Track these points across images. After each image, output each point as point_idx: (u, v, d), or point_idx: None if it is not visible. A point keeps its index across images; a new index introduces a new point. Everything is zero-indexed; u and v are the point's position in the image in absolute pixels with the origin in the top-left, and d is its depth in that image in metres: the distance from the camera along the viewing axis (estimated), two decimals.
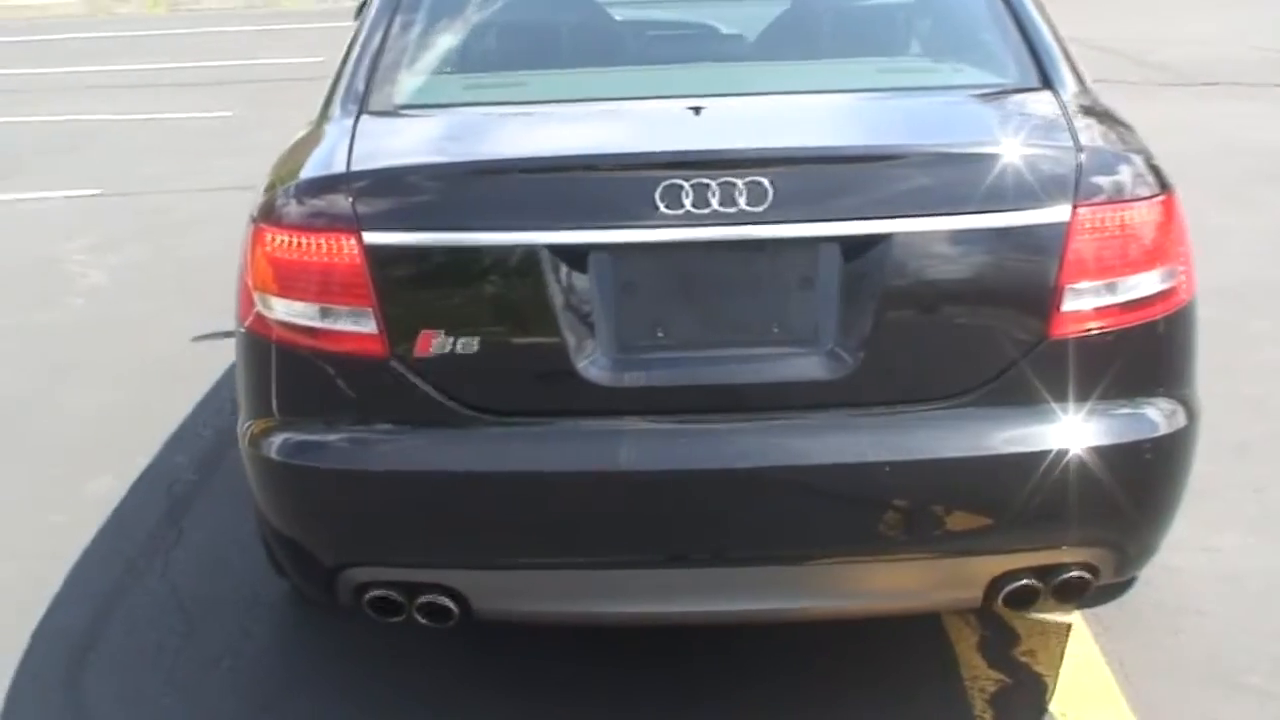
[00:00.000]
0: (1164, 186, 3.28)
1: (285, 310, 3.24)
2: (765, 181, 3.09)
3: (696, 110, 3.47)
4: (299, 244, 3.21)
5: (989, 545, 3.23)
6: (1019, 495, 3.17)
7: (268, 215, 3.28)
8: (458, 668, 3.87)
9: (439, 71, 3.97)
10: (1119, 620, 3.99)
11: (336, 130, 3.52)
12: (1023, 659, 3.83)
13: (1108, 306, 3.19)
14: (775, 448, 3.15)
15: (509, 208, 3.17)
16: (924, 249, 3.16)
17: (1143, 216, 3.22)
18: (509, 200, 3.19)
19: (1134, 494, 3.26)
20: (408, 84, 3.79)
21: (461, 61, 4.07)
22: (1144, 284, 3.22)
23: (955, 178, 3.19)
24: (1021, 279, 3.16)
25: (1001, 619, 3.97)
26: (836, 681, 3.76)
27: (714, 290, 3.19)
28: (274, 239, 3.23)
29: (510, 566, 3.24)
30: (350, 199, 3.19)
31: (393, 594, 3.26)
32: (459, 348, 3.16)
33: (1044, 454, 3.15)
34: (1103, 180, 3.20)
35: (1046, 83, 3.60)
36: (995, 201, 3.14)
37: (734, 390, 3.17)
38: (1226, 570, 4.29)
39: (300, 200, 3.27)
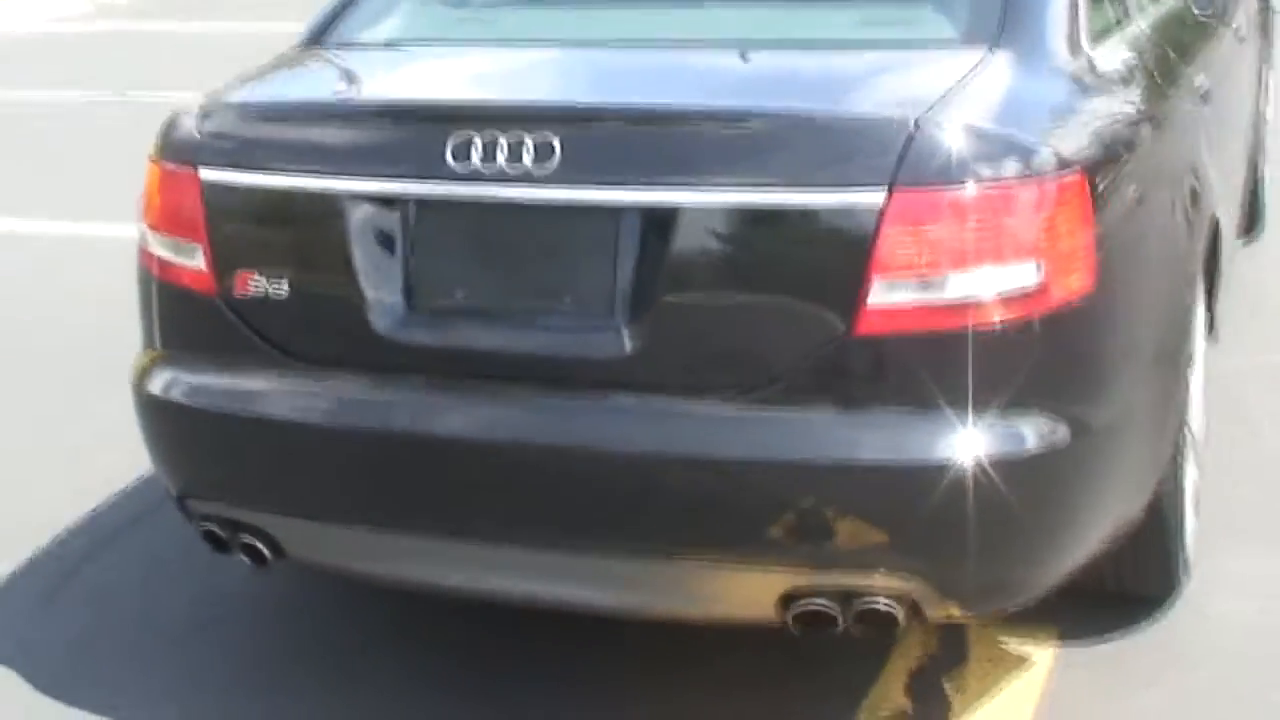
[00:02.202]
0: (1032, 172, 2.81)
1: (153, 240, 3.29)
2: (554, 140, 2.87)
3: (565, 60, 3.27)
4: (163, 176, 3.26)
5: (768, 557, 2.90)
6: (800, 506, 2.86)
7: (154, 148, 3.31)
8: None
9: (412, 6, 3.86)
10: (1089, 660, 3.50)
11: (262, 65, 3.52)
12: (946, 687, 3.42)
13: (930, 305, 2.78)
14: (545, 425, 2.96)
15: (322, 153, 3.13)
16: (723, 225, 2.88)
17: (988, 204, 2.78)
18: (322, 145, 3.16)
19: (947, 520, 2.84)
20: (371, 19, 3.70)
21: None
22: (983, 281, 2.78)
23: (766, 148, 2.87)
24: (826, 267, 2.81)
25: (961, 639, 3.56)
26: (737, 674, 3.48)
27: (507, 254, 3.02)
28: (151, 170, 3.28)
29: (305, 517, 3.17)
30: (198, 134, 3.22)
31: (216, 529, 3.26)
32: (271, 291, 3.13)
33: (831, 464, 2.82)
34: (936, 160, 2.78)
35: (992, 42, 3.12)
36: (805, 177, 2.82)
37: (517, 359, 2.99)
38: (1249, 624, 3.69)
39: (167, 133, 3.30)
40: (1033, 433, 2.86)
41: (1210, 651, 3.54)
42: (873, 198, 2.75)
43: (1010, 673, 3.46)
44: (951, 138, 2.80)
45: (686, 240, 2.86)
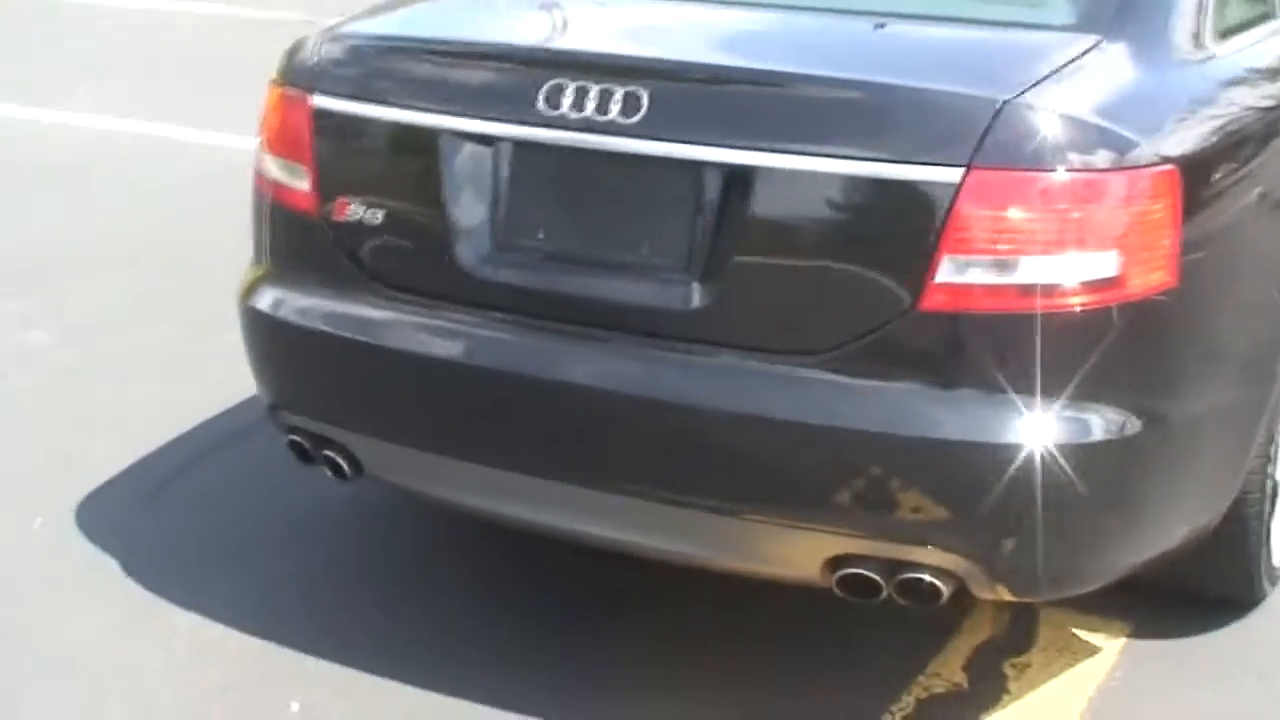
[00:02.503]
0: (1117, 163, 2.78)
1: (266, 160, 3.38)
2: (643, 93, 2.91)
3: (677, 17, 3.29)
4: (279, 99, 3.35)
5: (820, 520, 2.91)
6: (854, 474, 2.87)
7: (275, 72, 3.40)
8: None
9: None
10: (1156, 656, 3.46)
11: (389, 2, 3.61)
12: (1005, 668, 3.40)
13: (999, 286, 2.76)
14: (611, 372, 2.99)
15: (423, 88, 3.20)
16: (799, 189, 2.88)
17: (1067, 191, 2.74)
18: (424, 81, 3.22)
19: (1001, 503, 2.82)
20: None
21: None
22: (1056, 268, 2.75)
23: (848, 116, 2.87)
24: (898, 240, 2.81)
25: (1032, 623, 3.53)
26: (789, 645, 3.49)
27: (589, 201, 3.06)
28: (270, 93, 3.37)
29: (383, 438, 3.25)
30: (312, 61, 3.31)
31: (303, 441, 3.36)
32: (368, 218, 3.20)
33: (887, 436, 2.82)
34: (1018, 142, 2.75)
35: (1107, 30, 3.07)
36: (885, 149, 2.80)
37: (590, 305, 3.02)
38: None
39: (287, 59, 3.39)
40: (1097, 423, 2.82)
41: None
42: (949, 174, 2.73)
43: (1073, 661, 3.43)
44: (1037, 121, 2.76)
45: (761, 202, 2.87)
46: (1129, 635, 3.53)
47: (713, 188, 2.89)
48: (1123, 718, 3.28)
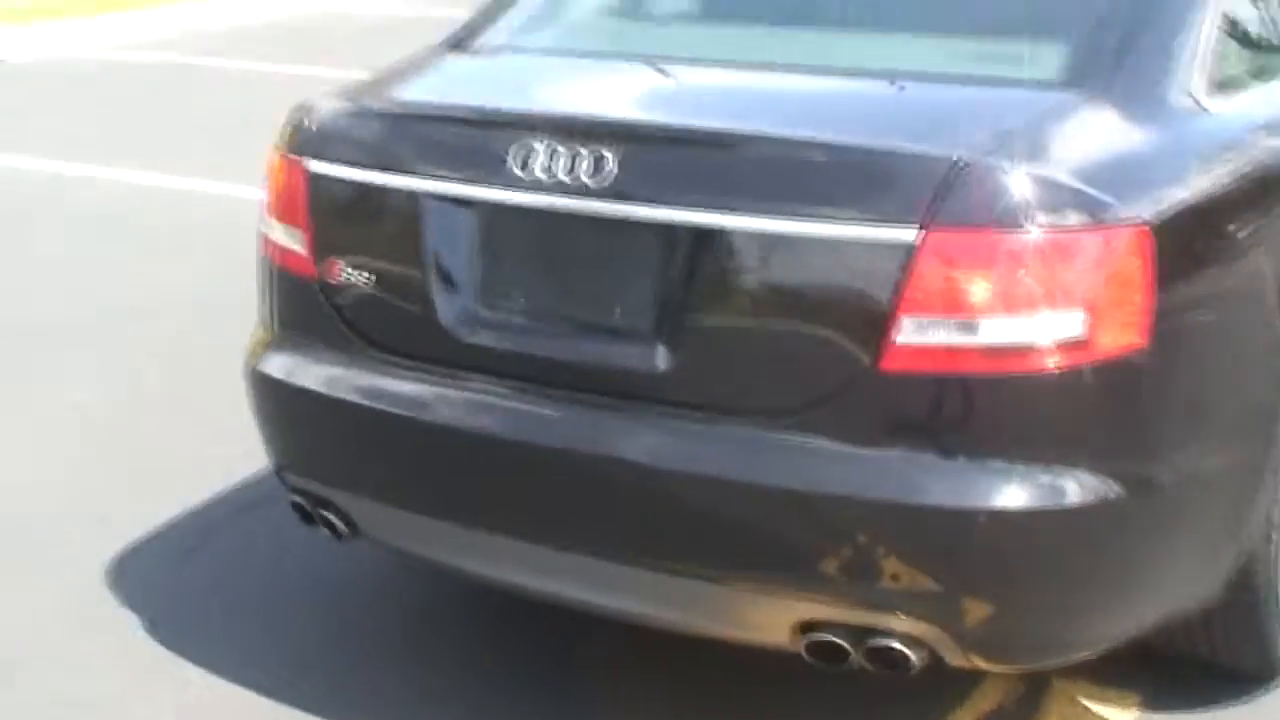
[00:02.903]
0: (1081, 222, 2.73)
1: (269, 225, 3.44)
2: (609, 155, 2.91)
3: (657, 78, 3.29)
4: (279, 164, 3.40)
5: (786, 585, 2.87)
6: (819, 539, 2.83)
7: (276, 138, 3.46)
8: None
9: (546, 17, 3.91)
10: None
11: (387, 67, 3.65)
12: None
13: (959, 347, 2.71)
14: (580, 434, 2.98)
15: (406, 152, 3.24)
16: (760, 250, 2.87)
17: (1029, 251, 2.69)
18: (407, 145, 3.27)
19: (969, 570, 2.79)
20: (512, 26, 3.79)
21: (566, 7, 3.99)
22: (1018, 329, 2.70)
23: (806, 176, 2.86)
24: (858, 300, 2.77)
25: (1041, 692, 3.44)
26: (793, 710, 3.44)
27: (562, 263, 3.07)
28: (271, 159, 3.43)
29: (373, 498, 3.28)
30: (307, 128, 3.36)
31: (303, 502, 3.39)
32: (358, 280, 3.25)
33: (851, 500, 2.78)
34: (975, 201, 2.71)
35: (1088, 86, 3.02)
36: (843, 209, 2.78)
37: (567, 367, 3.02)
38: None
39: (286, 126, 3.44)
40: (1068, 487, 2.76)
41: None
42: (906, 234, 2.70)
43: None
44: (995, 180, 2.73)
45: (722, 262, 2.86)
46: (1140, 707, 3.43)
47: (676, 249, 2.88)
48: None
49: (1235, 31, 3.44)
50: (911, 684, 3.18)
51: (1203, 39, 3.22)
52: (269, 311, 3.48)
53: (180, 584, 4.04)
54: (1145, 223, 2.79)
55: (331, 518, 3.34)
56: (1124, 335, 2.76)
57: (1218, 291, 3.03)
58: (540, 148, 2.97)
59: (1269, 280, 3.14)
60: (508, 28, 3.78)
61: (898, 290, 2.71)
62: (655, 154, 2.96)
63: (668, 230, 2.89)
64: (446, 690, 3.55)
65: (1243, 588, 3.20)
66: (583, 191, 2.92)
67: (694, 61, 3.54)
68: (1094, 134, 2.96)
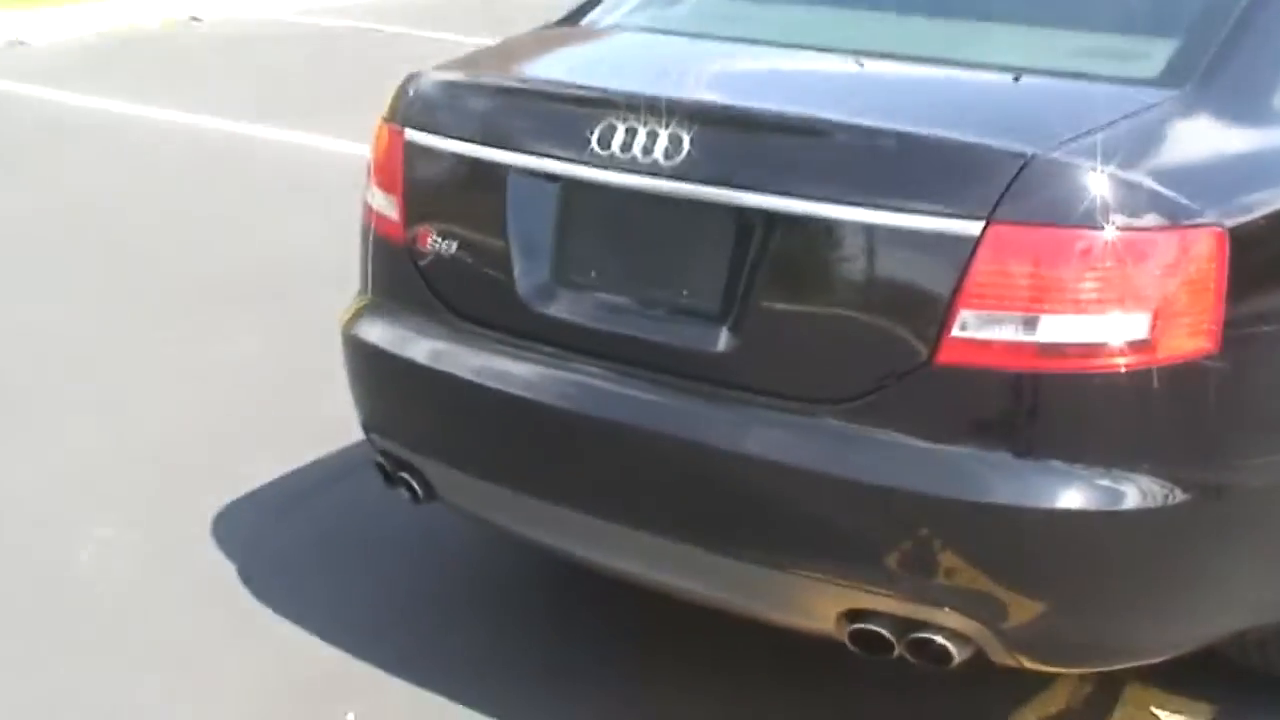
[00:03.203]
0: (1150, 223, 2.67)
1: (371, 192, 3.50)
2: (685, 135, 2.92)
3: (744, 60, 3.32)
4: (383, 134, 3.47)
5: (834, 572, 2.87)
6: (869, 528, 2.82)
7: (384, 110, 3.52)
8: None
9: None
10: None
11: (499, 42, 3.70)
12: None
13: (1018, 344, 2.68)
14: (642, 411, 2.99)
15: (495, 126, 3.28)
16: (826, 237, 2.86)
17: (1090, 249, 2.65)
18: (496, 119, 3.31)
19: (1006, 565, 2.75)
20: (624, 4, 3.81)
21: None
22: (1078, 328, 2.66)
23: (878, 165, 2.84)
24: (918, 292, 2.76)
25: (1113, 695, 3.39)
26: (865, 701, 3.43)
27: (635, 241, 3.10)
28: (378, 129, 3.50)
29: (449, 464, 3.33)
30: (409, 99, 3.41)
31: (385, 464, 3.46)
32: (444, 248, 3.30)
33: (901, 492, 2.76)
34: (1041, 197, 2.68)
35: (1184, 87, 2.95)
36: (911, 199, 2.75)
37: (636, 344, 3.04)
38: None
39: (393, 98, 3.50)
40: (1127, 491, 2.71)
41: None
42: (969, 227, 2.67)
43: None
44: (1064, 177, 2.69)
45: (788, 247, 2.86)
46: (1212, 718, 3.35)
47: (744, 232, 2.89)
48: None
49: None
50: (978, 677, 3.17)
51: None
52: (365, 276, 3.54)
53: (279, 539, 4.15)
54: (1221, 227, 2.72)
55: (410, 480, 3.40)
56: (1192, 340, 2.70)
57: None
58: (620, 126, 2.99)
59: None
60: (619, 5, 3.81)
61: (957, 283, 2.68)
62: (729, 136, 2.96)
63: (737, 213, 2.89)
64: (514, 655, 3.60)
65: None
66: (657, 171, 2.94)
67: (784, 45, 3.52)
68: (1179, 135, 2.90)
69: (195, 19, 12.89)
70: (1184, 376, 2.71)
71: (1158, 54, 3.10)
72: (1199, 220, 2.71)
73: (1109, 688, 3.43)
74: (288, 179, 7.76)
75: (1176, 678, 3.39)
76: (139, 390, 5.11)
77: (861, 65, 3.33)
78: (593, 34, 3.75)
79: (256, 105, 9.32)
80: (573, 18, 3.82)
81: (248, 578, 3.91)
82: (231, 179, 7.84)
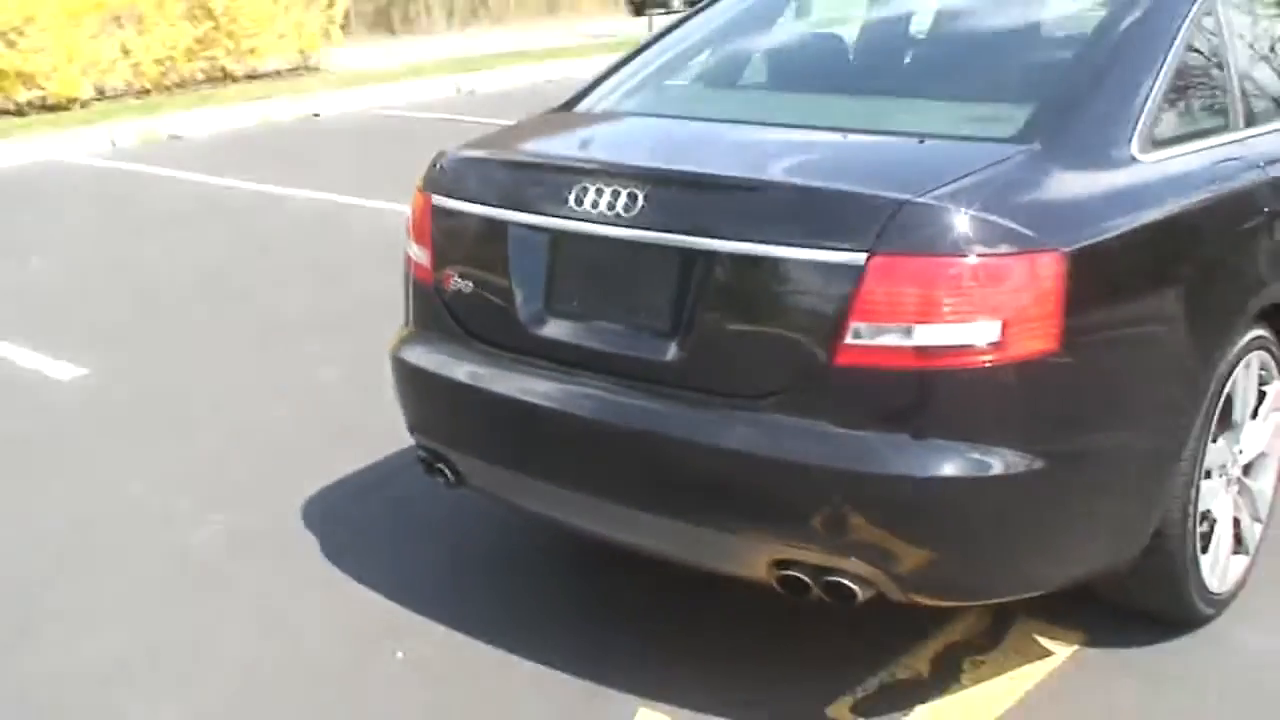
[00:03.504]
0: (998, 250, 2.74)
1: (410, 245, 3.60)
2: (639, 194, 3.01)
3: (693, 133, 3.40)
4: (418, 198, 3.56)
5: (754, 531, 2.95)
6: (790, 497, 2.89)
7: (419, 179, 3.62)
8: None
9: (634, 83, 3.97)
10: (1099, 663, 3.31)
11: (518, 121, 3.79)
12: (964, 663, 3.31)
13: (897, 348, 2.75)
14: (613, 409, 3.08)
15: (498, 190, 3.36)
16: (746, 269, 2.94)
17: (950, 271, 2.73)
18: (499, 184, 3.39)
19: (896, 523, 2.82)
20: (610, 92, 3.89)
21: (653, 77, 4.01)
22: (944, 334, 2.72)
23: (783, 211, 2.92)
24: (819, 309, 2.83)
25: (1002, 628, 3.43)
26: (802, 629, 3.46)
27: (605, 276, 3.17)
28: (415, 194, 3.60)
29: (471, 454, 3.42)
30: (436, 170, 3.51)
31: (425, 456, 3.55)
32: (463, 286, 3.40)
33: (814, 466, 2.83)
34: (910, 233, 2.75)
35: (1035, 142, 3.01)
36: (811, 237, 2.83)
37: (607, 356, 3.12)
38: (1262, 660, 3.35)
39: (426, 170, 3.59)
40: (987, 461, 2.77)
41: (1208, 677, 3.26)
42: (857, 258, 2.75)
43: (1024, 662, 3.31)
44: (928, 217, 2.76)
45: (719, 278, 2.94)
46: (1082, 644, 3.38)
47: (684, 267, 2.97)
48: (1045, 708, 3.16)
49: (1181, 97, 3.38)
50: (898, 616, 3.22)
51: (1147, 104, 3.19)
52: (407, 311, 3.64)
53: (358, 516, 4.24)
54: (1060, 252, 2.78)
55: (444, 469, 3.49)
56: (1036, 342, 2.76)
57: (1125, 310, 2.98)
58: (591, 188, 3.08)
59: (1175, 305, 3.09)
60: (608, 92, 3.90)
61: (849, 302, 2.76)
62: (671, 193, 3.04)
63: (680, 252, 2.97)
64: (539, 613, 3.66)
65: (1156, 551, 3.16)
66: (618, 222, 3.03)
67: (729, 120, 3.61)
68: (1027, 180, 2.95)
69: (316, 115, 13.10)
70: (1032, 370, 2.77)
71: (1018, 118, 3.16)
72: (1041, 247, 2.77)
73: (1001, 621, 3.47)
74: (377, 240, 7.82)
75: (1058, 611, 3.44)
76: (244, 406, 5.23)
77: (781, 133, 3.42)
78: (580, 116, 3.83)
79: (357, 181, 9.43)
80: (570, 104, 3.91)
81: (327, 548, 4.01)
82: (331, 240, 7.98)
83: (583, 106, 3.86)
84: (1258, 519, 3.59)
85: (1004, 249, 2.74)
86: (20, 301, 6.74)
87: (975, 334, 2.71)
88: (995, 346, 2.72)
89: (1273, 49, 3.90)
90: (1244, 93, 3.57)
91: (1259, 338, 3.37)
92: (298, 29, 15.60)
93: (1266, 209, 3.41)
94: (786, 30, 4.15)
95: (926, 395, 2.78)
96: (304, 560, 3.94)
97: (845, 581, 2.88)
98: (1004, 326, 2.72)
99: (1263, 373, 3.46)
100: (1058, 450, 2.84)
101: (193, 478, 4.54)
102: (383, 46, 19.37)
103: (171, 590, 3.82)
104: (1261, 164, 3.46)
